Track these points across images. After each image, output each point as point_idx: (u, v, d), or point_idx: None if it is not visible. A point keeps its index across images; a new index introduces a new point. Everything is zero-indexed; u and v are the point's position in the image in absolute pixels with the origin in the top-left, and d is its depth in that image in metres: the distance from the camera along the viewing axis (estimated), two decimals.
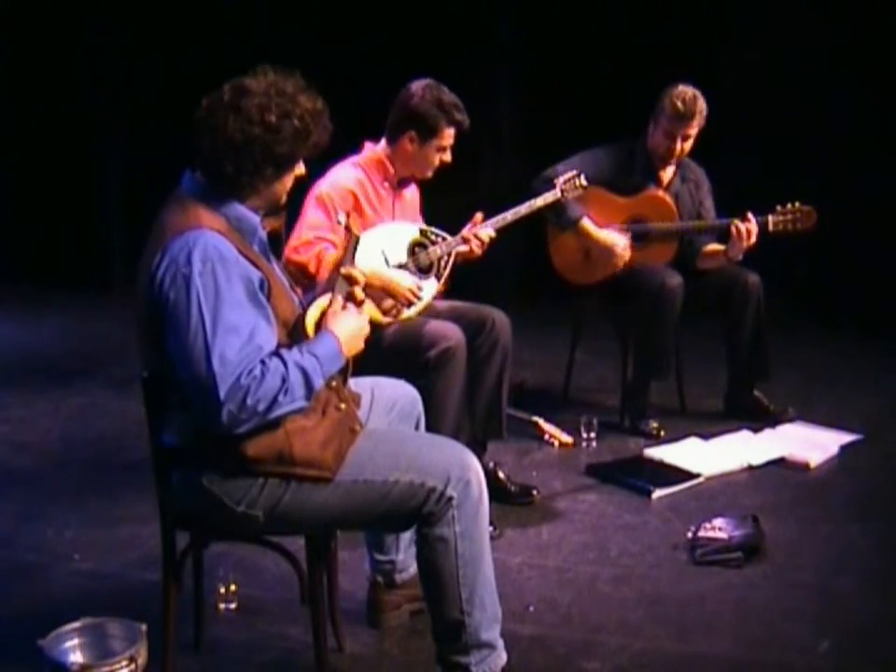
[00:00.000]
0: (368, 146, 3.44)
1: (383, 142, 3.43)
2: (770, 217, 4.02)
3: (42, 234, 7.11)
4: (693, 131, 4.05)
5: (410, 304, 3.26)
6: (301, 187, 2.55)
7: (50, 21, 6.79)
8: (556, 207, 4.01)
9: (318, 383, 2.16)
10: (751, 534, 3.15)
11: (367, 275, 3.04)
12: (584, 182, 3.78)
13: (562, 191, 3.74)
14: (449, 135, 3.35)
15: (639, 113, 4.18)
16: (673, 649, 2.66)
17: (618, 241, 4.08)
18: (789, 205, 4.02)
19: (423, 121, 3.32)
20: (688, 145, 4.09)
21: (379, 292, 3.19)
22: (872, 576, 3.02)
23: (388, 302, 3.24)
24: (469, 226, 3.48)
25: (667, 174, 4.22)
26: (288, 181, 2.30)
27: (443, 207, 3.67)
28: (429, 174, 3.45)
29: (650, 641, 2.69)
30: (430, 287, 3.41)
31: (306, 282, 3.08)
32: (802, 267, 5.38)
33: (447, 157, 3.41)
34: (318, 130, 2.24)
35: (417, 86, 3.36)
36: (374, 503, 2.24)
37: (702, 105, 4.00)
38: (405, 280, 3.24)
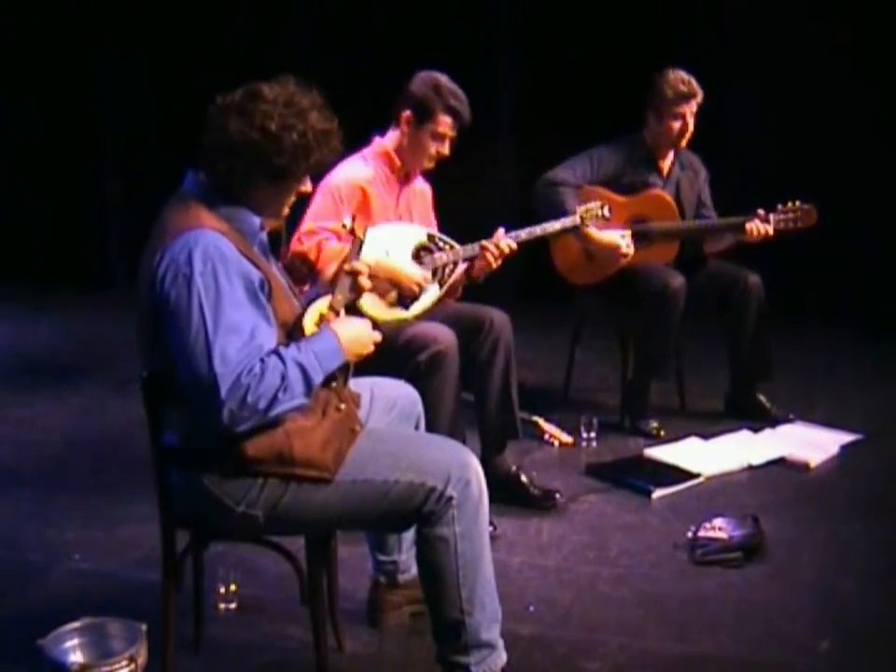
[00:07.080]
0: (376, 139, 3.44)
1: (388, 133, 3.43)
2: (772, 216, 4.03)
3: (42, 234, 7.11)
4: (696, 108, 4.08)
5: (414, 298, 3.25)
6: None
7: (52, 23, 6.79)
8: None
9: (317, 379, 2.16)
10: (751, 534, 3.15)
11: (372, 266, 3.04)
12: (607, 213, 3.71)
13: (581, 219, 3.70)
14: (444, 122, 3.32)
15: (638, 108, 4.18)
16: (673, 649, 2.66)
17: (620, 241, 4.07)
18: (790, 204, 4.05)
19: (418, 103, 3.32)
20: (692, 123, 4.10)
21: (385, 284, 3.18)
22: (872, 576, 3.02)
23: (392, 295, 3.22)
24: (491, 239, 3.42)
25: (666, 163, 4.24)
26: (288, 196, 2.28)
27: (443, 206, 3.66)
28: (427, 164, 3.41)
29: (650, 641, 2.69)
30: (432, 291, 3.38)
31: (306, 269, 3.06)
32: (802, 267, 5.37)
33: (445, 149, 3.37)
34: (322, 150, 2.22)
35: (422, 73, 3.39)
36: (374, 503, 2.24)
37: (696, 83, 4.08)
38: (410, 269, 3.24)
